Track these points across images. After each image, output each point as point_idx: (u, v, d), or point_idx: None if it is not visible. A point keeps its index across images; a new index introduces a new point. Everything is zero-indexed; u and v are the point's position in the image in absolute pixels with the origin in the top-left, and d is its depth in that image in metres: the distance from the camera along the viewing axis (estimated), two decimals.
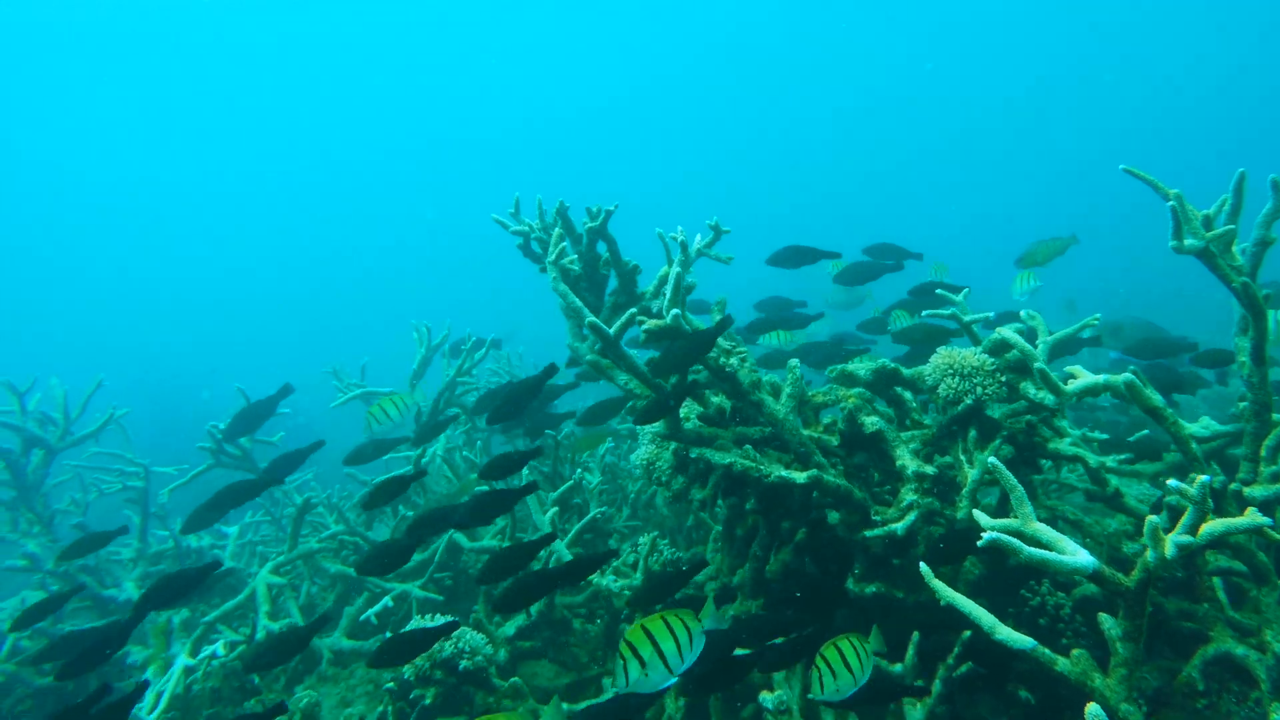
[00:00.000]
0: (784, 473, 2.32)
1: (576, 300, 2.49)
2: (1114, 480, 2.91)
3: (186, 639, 3.51)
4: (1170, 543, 1.37)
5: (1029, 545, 1.52)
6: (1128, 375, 2.19)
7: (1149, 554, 1.41)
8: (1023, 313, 2.95)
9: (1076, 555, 1.49)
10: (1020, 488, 1.64)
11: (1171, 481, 1.39)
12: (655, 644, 1.74)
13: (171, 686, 3.00)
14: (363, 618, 3.28)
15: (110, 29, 27.49)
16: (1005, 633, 1.55)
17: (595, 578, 2.66)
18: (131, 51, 28.51)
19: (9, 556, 4.44)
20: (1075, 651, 1.52)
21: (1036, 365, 2.30)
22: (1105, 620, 1.52)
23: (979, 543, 1.44)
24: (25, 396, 4.09)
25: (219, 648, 3.02)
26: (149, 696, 3.02)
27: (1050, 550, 1.53)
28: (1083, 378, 2.35)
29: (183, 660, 3.08)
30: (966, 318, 2.97)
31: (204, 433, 3.83)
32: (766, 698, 2.04)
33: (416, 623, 2.68)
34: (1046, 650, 1.53)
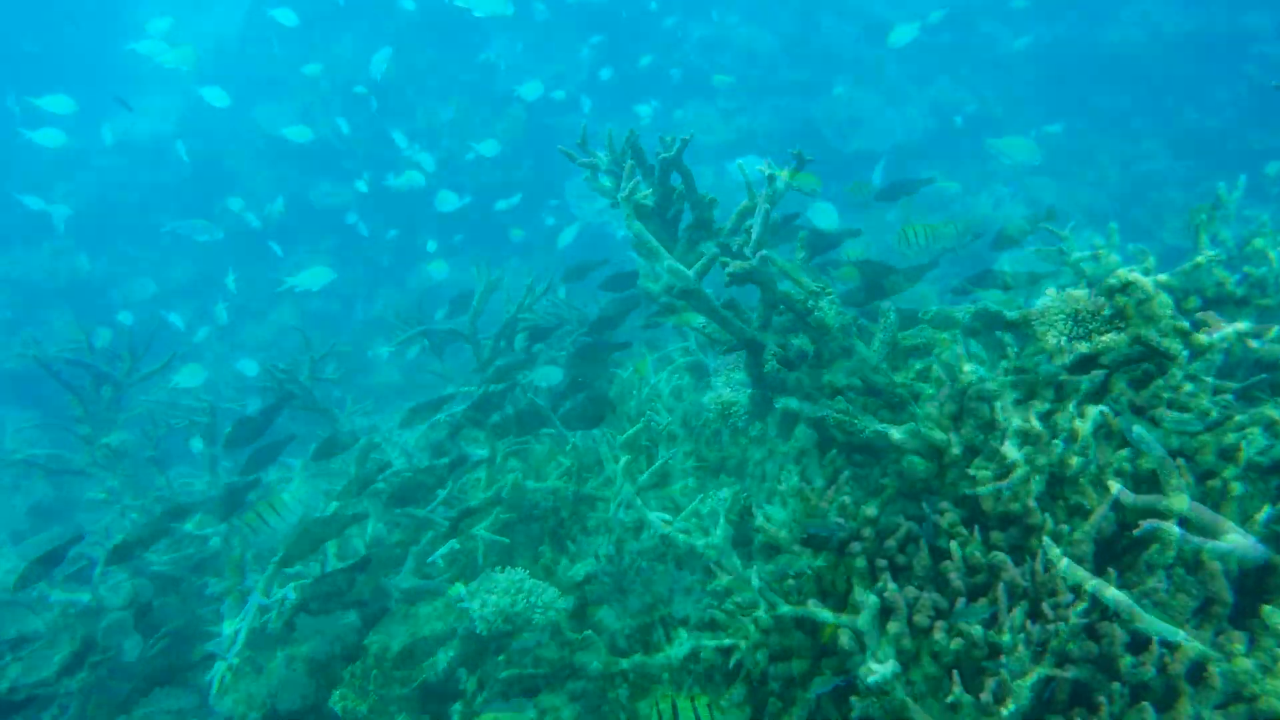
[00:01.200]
0: (879, 426, 2.16)
1: (652, 239, 2.30)
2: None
3: (260, 573, 3.56)
4: None
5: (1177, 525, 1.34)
6: None
7: None
8: (1129, 246, 2.70)
9: (1242, 541, 1.31)
10: (1169, 459, 1.45)
11: None
12: None
13: (248, 624, 3.04)
14: (430, 560, 3.27)
15: None
16: (1159, 627, 1.38)
17: (666, 530, 2.55)
18: None
19: (90, 489, 4.59)
20: (1234, 649, 1.35)
21: (1168, 311, 2.05)
22: (1272, 615, 1.34)
23: (1136, 533, 1.26)
24: (92, 334, 4.12)
25: (290, 590, 3.04)
26: (227, 632, 3.08)
27: (1208, 535, 1.35)
28: (1219, 327, 2.09)
29: (257, 598, 3.11)
30: (1073, 255, 2.71)
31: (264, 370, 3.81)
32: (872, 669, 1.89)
33: (485, 575, 2.63)
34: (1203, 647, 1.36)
